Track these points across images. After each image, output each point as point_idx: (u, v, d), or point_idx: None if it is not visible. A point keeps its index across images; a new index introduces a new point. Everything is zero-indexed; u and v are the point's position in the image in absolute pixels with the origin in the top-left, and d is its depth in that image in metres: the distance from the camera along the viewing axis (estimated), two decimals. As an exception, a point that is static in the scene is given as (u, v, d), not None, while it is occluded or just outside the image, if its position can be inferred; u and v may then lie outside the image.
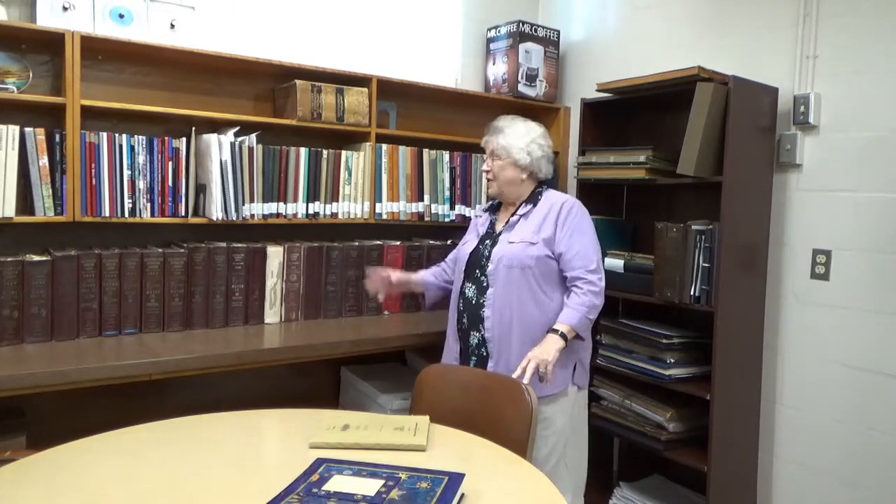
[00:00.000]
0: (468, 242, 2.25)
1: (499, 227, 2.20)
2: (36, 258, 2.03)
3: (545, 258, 2.06)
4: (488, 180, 2.21)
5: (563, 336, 1.97)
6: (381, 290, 2.36)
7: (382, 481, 1.25)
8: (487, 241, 2.18)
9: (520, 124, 2.19)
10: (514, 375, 1.87)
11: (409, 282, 2.39)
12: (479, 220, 2.29)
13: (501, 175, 2.16)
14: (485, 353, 2.10)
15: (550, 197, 2.16)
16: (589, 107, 2.71)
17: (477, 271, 2.14)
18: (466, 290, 2.16)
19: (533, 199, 2.17)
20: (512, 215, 2.17)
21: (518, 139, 2.15)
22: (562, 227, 2.08)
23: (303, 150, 2.49)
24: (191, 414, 1.66)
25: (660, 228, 2.36)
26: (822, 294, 2.35)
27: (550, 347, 1.94)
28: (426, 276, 2.41)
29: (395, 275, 2.34)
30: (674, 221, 2.34)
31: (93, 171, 2.10)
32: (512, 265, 2.06)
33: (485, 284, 2.10)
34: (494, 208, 2.29)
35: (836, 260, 2.31)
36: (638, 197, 2.82)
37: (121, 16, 2.20)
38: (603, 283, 2.07)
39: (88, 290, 2.10)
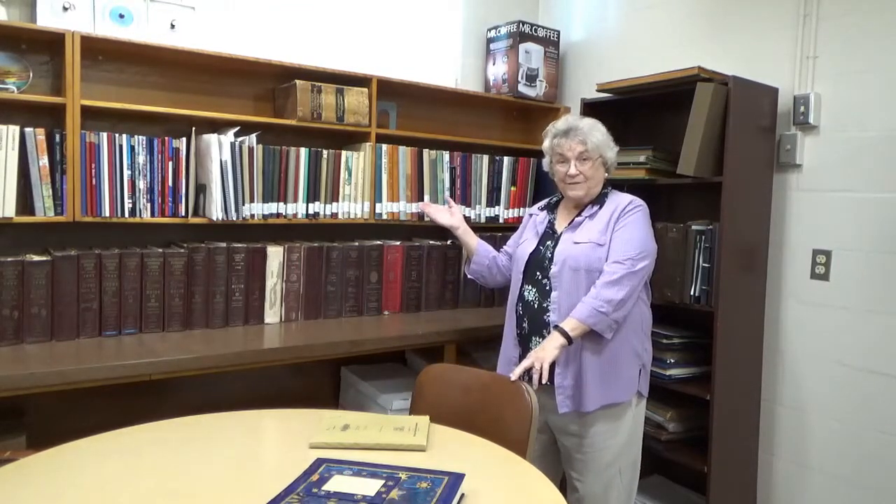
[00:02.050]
0: (527, 241, 2.14)
1: (559, 227, 2.09)
2: (36, 258, 2.03)
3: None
4: (575, 184, 2.04)
5: (564, 333, 1.88)
6: (441, 217, 2.50)
7: (382, 481, 1.25)
8: (549, 242, 2.07)
9: (588, 121, 2.08)
10: (512, 377, 1.84)
11: (468, 234, 2.44)
12: (537, 219, 2.18)
13: (594, 176, 2.04)
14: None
15: (617, 197, 2.07)
16: (589, 107, 2.71)
17: (538, 273, 2.04)
18: (526, 294, 2.06)
19: (600, 200, 2.07)
20: (577, 216, 2.06)
21: (602, 135, 2.05)
22: (617, 223, 1.99)
23: (303, 150, 2.49)
24: (191, 414, 1.66)
25: (660, 228, 2.36)
26: (822, 294, 2.35)
27: (548, 346, 1.88)
28: (485, 245, 2.39)
29: (457, 211, 2.50)
30: (674, 221, 2.34)
31: (93, 171, 2.10)
32: (578, 267, 1.96)
33: (547, 287, 2.00)
34: (552, 207, 2.18)
35: (836, 260, 2.31)
36: (638, 197, 2.81)
37: (121, 16, 2.20)
38: (628, 274, 1.90)
39: (88, 290, 2.10)
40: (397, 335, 2.42)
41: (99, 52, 2.20)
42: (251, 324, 2.41)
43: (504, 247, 2.36)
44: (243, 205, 2.35)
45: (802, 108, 2.35)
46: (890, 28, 2.18)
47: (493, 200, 3.00)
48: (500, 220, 3.02)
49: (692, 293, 2.29)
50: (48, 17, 2.08)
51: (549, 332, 1.94)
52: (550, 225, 2.13)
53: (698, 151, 2.23)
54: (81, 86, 2.05)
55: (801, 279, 2.40)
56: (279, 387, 2.64)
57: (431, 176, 2.81)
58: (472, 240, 2.43)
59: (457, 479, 1.26)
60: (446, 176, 2.85)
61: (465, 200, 2.92)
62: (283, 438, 1.60)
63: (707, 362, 2.31)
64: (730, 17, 2.60)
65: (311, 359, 2.26)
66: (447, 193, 2.85)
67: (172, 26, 2.28)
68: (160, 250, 2.23)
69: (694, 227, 2.28)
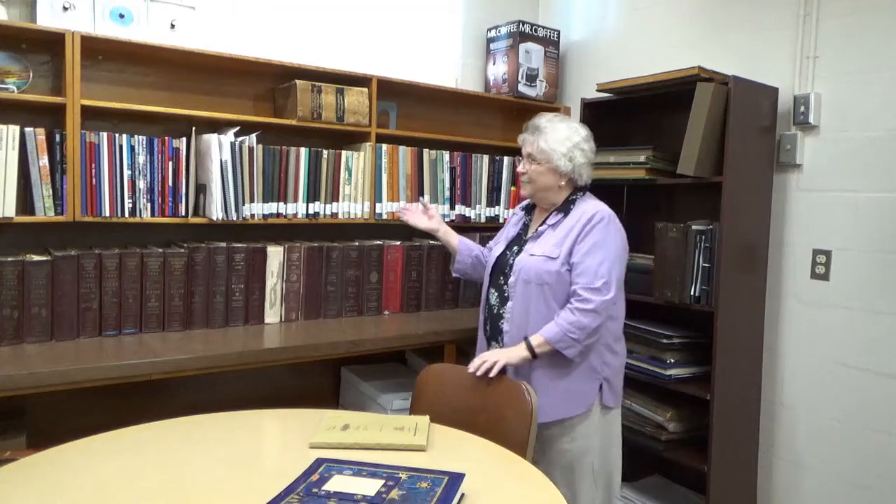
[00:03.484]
0: (499, 244, 2.19)
1: (529, 231, 2.12)
2: (36, 258, 2.03)
3: (563, 273, 1.95)
4: (522, 182, 2.08)
5: (530, 348, 1.90)
6: (419, 222, 2.41)
7: (382, 481, 1.25)
8: (515, 248, 2.09)
9: (561, 126, 2.04)
10: (469, 370, 1.88)
11: (450, 234, 2.40)
12: (515, 219, 2.21)
13: (538, 180, 2.03)
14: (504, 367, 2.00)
15: (583, 206, 2.02)
16: (589, 107, 2.71)
17: (501, 279, 2.08)
18: (490, 297, 2.11)
19: (565, 207, 2.04)
20: (542, 223, 2.06)
21: (560, 143, 2.00)
22: (582, 239, 1.94)
23: (303, 150, 2.49)
24: (191, 414, 1.66)
25: (660, 228, 2.36)
26: (822, 294, 2.35)
27: (512, 352, 1.90)
28: (466, 243, 2.38)
29: (435, 213, 2.43)
30: (674, 221, 2.34)
31: (93, 171, 2.10)
32: (529, 280, 1.97)
33: (506, 295, 2.04)
34: (530, 208, 2.20)
35: (836, 260, 2.31)
36: (638, 197, 2.82)
37: (121, 16, 2.20)
38: (601, 303, 1.88)
39: (88, 290, 2.10)
40: (397, 335, 2.42)
41: (99, 52, 2.20)
42: (251, 324, 2.41)
43: (490, 242, 2.37)
44: (243, 205, 2.35)
45: (802, 108, 2.35)
46: (890, 28, 2.18)
47: (493, 200, 3.00)
48: (500, 220, 3.01)
49: (692, 293, 2.29)
50: (48, 17, 2.08)
51: (503, 340, 2.01)
52: (524, 228, 2.15)
53: (698, 151, 2.23)
54: (81, 86, 2.05)
55: (801, 279, 2.40)
56: (279, 387, 2.64)
57: (431, 176, 2.81)
58: (453, 239, 2.41)
59: (457, 479, 1.26)
60: (446, 176, 2.85)
61: (465, 200, 2.92)
62: (283, 438, 1.60)
63: (707, 362, 2.31)
64: (730, 17, 2.60)
65: (311, 359, 2.26)
66: (447, 193, 2.85)
67: (172, 26, 2.28)
68: (160, 250, 2.23)
69: (694, 227, 2.28)
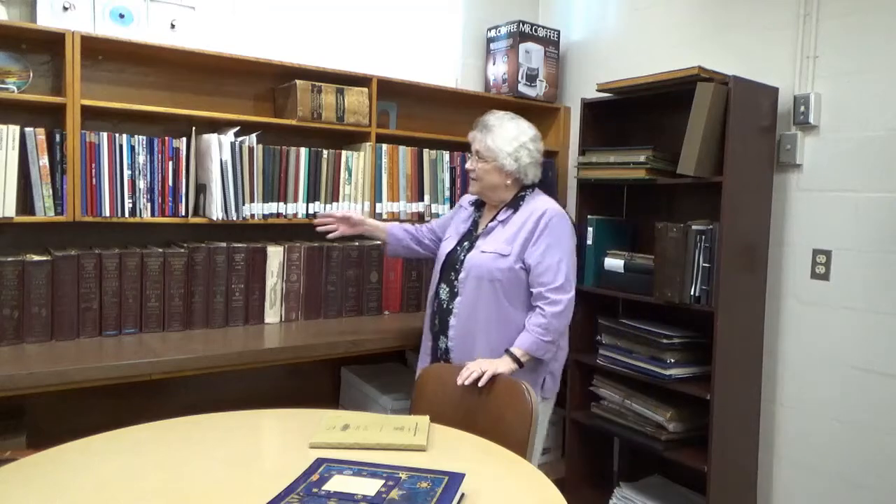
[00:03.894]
0: (449, 238, 2.19)
1: (480, 227, 2.13)
2: (36, 258, 2.03)
3: (516, 270, 1.99)
4: (471, 179, 2.11)
5: (516, 360, 1.94)
6: (345, 232, 2.29)
7: (382, 481, 1.25)
8: (466, 243, 2.11)
9: (510, 125, 2.08)
10: (458, 380, 1.85)
11: (376, 228, 2.32)
12: (464, 214, 2.21)
13: (485, 178, 2.06)
14: (449, 361, 2.07)
15: (532, 203, 2.07)
16: (589, 107, 2.71)
17: (451, 274, 2.09)
18: (440, 292, 2.12)
19: (514, 204, 2.08)
20: (492, 219, 2.09)
21: (506, 143, 2.03)
22: (536, 239, 1.99)
23: (303, 150, 2.49)
24: (191, 414, 1.66)
25: (660, 228, 2.36)
26: (823, 294, 2.35)
27: (499, 363, 1.91)
28: (393, 229, 2.33)
29: (355, 216, 2.28)
30: (674, 221, 2.34)
31: (93, 171, 2.10)
32: (481, 276, 2.00)
33: (456, 290, 2.05)
34: (479, 203, 2.21)
35: (836, 260, 2.31)
36: (638, 197, 2.82)
37: (121, 16, 2.20)
38: (568, 301, 1.98)
39: (88, 289, 2.10)
40: (397, 335, 2.42)
41: (99, 51, 2.20)
42: (251, 324, 2.41)
43: (432, 223, 2.36)
44: (243, 205, 2.35)
45: (802, 108, 2.35)
46: (890, 28, 2.18)
47: (493, 200, 3.00)
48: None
49: (692, 293, 2.29)
50: (48, 17, 2.08)
51: (449, 335, 2.03)
52: (474, 223, 2.15)
53: (698, 151, 2.23)
54: (81, 86, 2.05)
55: (801, 279, 2.40)
56: (279, 387, 2.64)
57: (431, 176, 2.81)
58: (380, 234, 2.34)
59: (457, 479, 1.26)
60: (446, 176, 2.85)
61: (465, 200, 2.92)
62: (283, 438, 1.60)
63: (707, 362, 2.31)
64: (730, 17, 2.60)
65: (311, 359, 2.27)
66: (447, 193, 2.85)
67: (172, 26, 2.28)
68: (160, 250, 2.23)
69: (694, 227, 2.28)
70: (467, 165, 2.12)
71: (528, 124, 2.13)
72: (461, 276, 2.04)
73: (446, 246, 2.17)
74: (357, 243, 2.65)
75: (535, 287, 1.99)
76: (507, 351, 1.97)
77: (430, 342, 2.16)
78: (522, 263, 1.99)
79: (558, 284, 1.97)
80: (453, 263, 2.09)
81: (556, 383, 2.14)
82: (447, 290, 2.10)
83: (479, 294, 2.00)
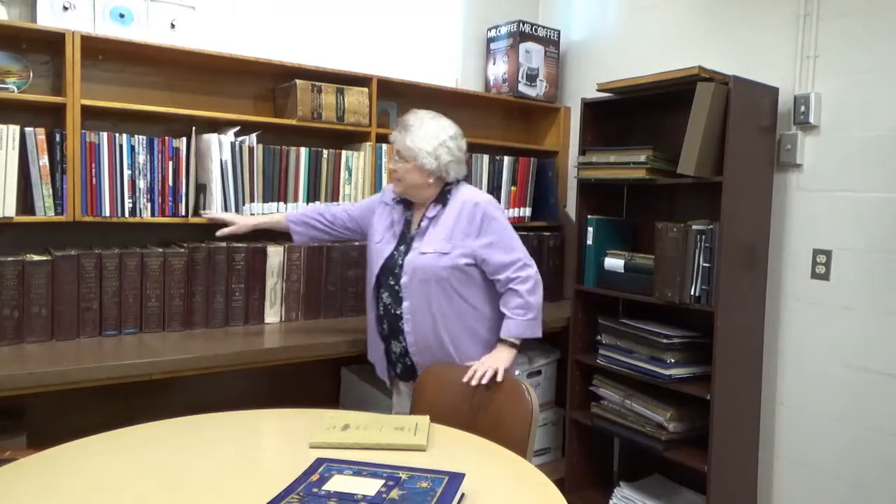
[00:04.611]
0: (383, 241, 2.11)
1: (413, 227, 2.09)
2: (36, 258, 2.03)
3: (461, 266, 1.98)
4: (394, 179, 2.07)
5: (512, 345, 1.98)
6: (238, 230, 2.21)
7: (382, 481, 1.25)
8: (402, 247, 2.07)
9: (430, 123, 2.05)
10: (464, 379, 1.87)
11: (277, 224, 2.26)
12: (394, 214, 2.14)
13: (406, 178, 2.03)
14: (410, 363, 2.06)
15: (460, 195, 2.05)
16: (589, 107, 2.71)
17: (391, 279, 2.05)
18: (383, 296, 2.08)
19: (442, 198, 2.05)
20: (422, 218, 2.06)
21: (426, 142, 2.01)
22: (479, 236, 1.99)
23: (303, 150, 2.49)
24: (191, 414, 1.66)
25: (660, 228, 2.36)
26: (822, 294, 2.35)
27: (502, 357, 1.95)
28: (294, 220, 2.25)
29: (244, 223, 2.20)
30: (674, 221, 2.34)
31: (93, 170, 2.10)
32: (427, 279, 1.98)
33: (400, 295, 2.02)
34: (408, 202, 2.14)
35: (837, 260, 2.31)
36: (638, 197, 2.82)
37: (121, 15, 2.20)
38: (535, 273, 2.03)
39: (89, 289, 2.10)
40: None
41: (99, 51, 2.20)
42: (251, 324, 2.41)
43: (348, 209, 2.27)
44: (243, 204, 2.35)
45: (803, 108, 2.35)
46: (890, 28, 2.18)
47: (493, 200, 2.99)
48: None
49: (692, 293, 2.29)
50: (48, 17, 2.08)
51: (406, 340, 2.03)
52: (406, 224, 2.12)
53: (698, 151, 2.23)
54: (81, 85, 2.05)
55: (802, 279, 2.40)
56: (279, 387, 2.64)
57: (431, 176, 2.81)
58: (276, 226, 2.28)
59: (457, 479, 1.26)
60: (446, 176, 2.85)
61: (466, 200, 2.91)
62: (283, 438, 1.60)
63: (707, 362, 2.31)
64: (730, 17, 2.60)
65: (311, 359, 2.26)
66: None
67: (172, 26, 2.28)
68: (160, 250, 2.23)
69: (694, 227, 2.28)
70: (390, 166, 2.09)
71: (450, 122, 2.11)
72: (403, 280, 2.01)
73: (382, 250, 2.10)
74: (357, 243, 2.65)
75: (499, 275, 2.00)
76: (501, 340, 1.99)
77: (383, 346, 2.14)
78: (466, 259, 1.99)
79: (520, 263, 2.01)
80: (392, 268, 2.06)
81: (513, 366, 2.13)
82: (388, 294, 2.06)
83: (429, 295, 1.99)
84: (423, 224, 2.05)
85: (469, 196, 2.04)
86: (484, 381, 1.86)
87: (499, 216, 2.04)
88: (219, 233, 2.20)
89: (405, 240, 2.08)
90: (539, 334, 2.04)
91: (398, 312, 2.03)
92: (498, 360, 1.93)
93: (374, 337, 2.17)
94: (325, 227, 2.26)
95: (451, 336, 2.01)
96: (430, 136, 2.02)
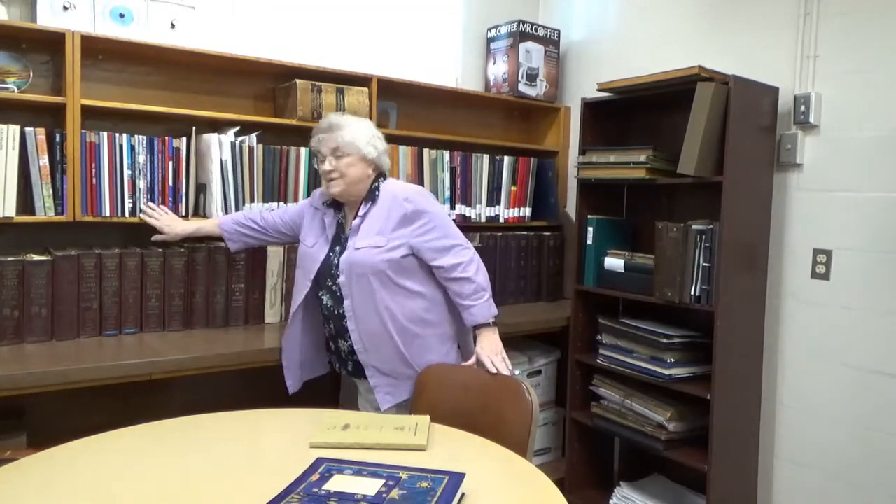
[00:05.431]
0: (317, 245, 2.10)
1: (347, 228, 2.08)
2: (36, 258, 2.03)
3: (397, 259, 1.98)
4: (331, 180, 2.01)
5: (489, 325, 2.03)
6: (165, 231, 2.20)
7: (383, 481, 1.25)
8: (337, 248, 2.06)
9: (353, 119, 2.07)
10: (493, 371, 1.92)
11: (211, 232, 2.24)
12: (326, 218, 2.12)
13: (349, 173, 1.99)
14: (357, 361, 2.05)
15: (388, 189, 2.04)
16: (589, 106, 2.71)
17: (329, 281, 2.05)
18: (323, 298, 2.08)
19: (370, 196, 2.04)
20: (355, 217, 2.05)
21: (360, 134, 2.02)
22: (412, 226, 1.99)
23: (303, 150, 2.48)
24: (191, 414, 1.66)
25: (660, 228, 2.36)
26: (823, 294, 2.35)
27: (494, 340, 2.01)
28: (227, 228, 2.24)
29: (173, 232, 2.20)
30: (674, 221, 2.34)
31: (93, 170, 2.10)
32: (364, 273, 1.97)
33: (339, 294, 2.02)
34: (339, 205, 2.12)
35: (837, 260, 2.31)
36: (638, 197, 2.82)
37: (121, 15, 2.20)
38: (474, 254, 2.06)
39: (89, 289, 2.10)
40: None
41: (99, 51, 2.20)
42: (251, 324, 2.41)
43: (280, 215, 2.26)
44: (243, 204, 2.35)
45: (803, 108, 2.35)
46: (890, 27, 2.18)
47: (493, 200, 3.00)
48: (501, 220, 3.02)
49: (692, 293, 2.29)
50: (48, 17, 2.08)
51: (351, 337, 2.02)
52: (340, 227, 2.11)
53: (698, 151, 2.23)
54: (82, 85, 2.05)
55: (802, 279, 2.40)
56: (279, 387, 2.63)
57: (431, 176, 2.81)
58: (210, 233, 2.27)
59: (457, 478, 1.26)
60: (446, 176, 2.85)
61: (466, 200, 2.92)
62: (283, 438, 1.60)
63: (707, 362, 2.31)
64: (730, 17, 2.60)
65: (311, 358, 2.26)
66: (447, 193, 2.85)
67: (173, 26, 2.28)
68: (160, 250, 2.23)
69: (694, 227, 2.28)
70: (325, 167, 2.02)
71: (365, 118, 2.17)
72: (340, 279, 2.00)
73: (317, 254, 2.09)
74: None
75: (439, 261, 2.01)
76: (477, 328, 2.04)
77: (332, 345, 2.14)
78: (402, 249, 1.99)
79: (459, 248, 2.03)
80: (328, 269, 2.05)
81: (469, 350, 2.13)
82: (328, 296, 2.06)
83: (369, 288, 1.98)
84: (356, 223, 2.04)
85: (398, 189, 2.05)
86: (509, 368, 1.94)
87: (428, 204, 2.04)
88: (154, 238, 2.21)
89: (340, 241, 2.08)
90: (497, 312, 2.10)
91: (340, 312, 2.02)
92: (496, 346, 1.99)
93: (295, 339, 2.15)
94: (259, 231, 2.26)
95: (396, 325, 1.99)
96: (362, 128, 2.05)
